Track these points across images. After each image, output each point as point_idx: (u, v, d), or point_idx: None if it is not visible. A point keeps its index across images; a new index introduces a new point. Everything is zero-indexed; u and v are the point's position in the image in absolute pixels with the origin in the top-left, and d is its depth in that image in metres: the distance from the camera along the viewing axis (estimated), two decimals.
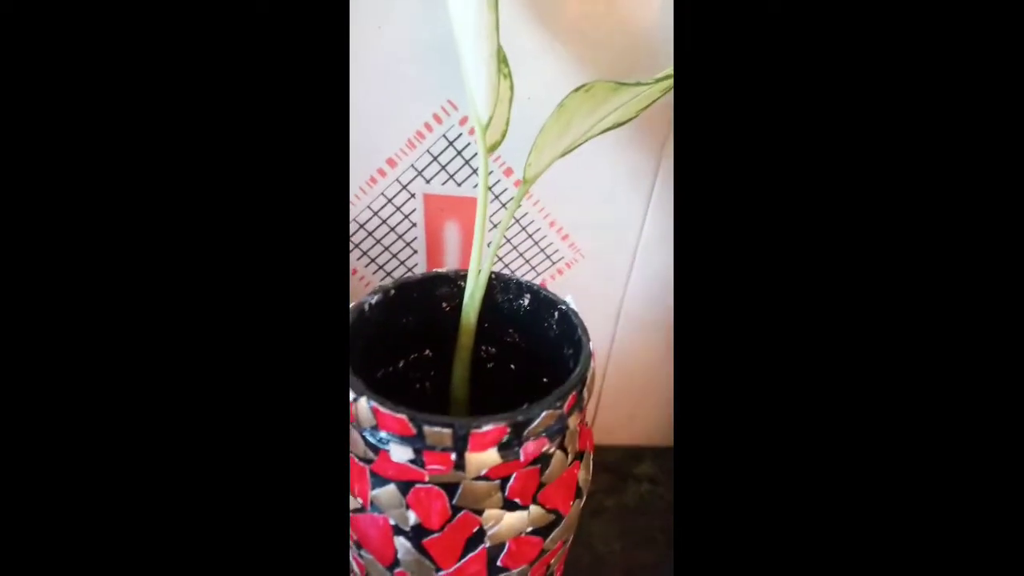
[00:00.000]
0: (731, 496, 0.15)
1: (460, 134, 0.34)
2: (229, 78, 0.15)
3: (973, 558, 0.14)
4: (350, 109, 0.33)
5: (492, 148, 0.26)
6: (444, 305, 0.28)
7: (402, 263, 0.39)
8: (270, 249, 0.15)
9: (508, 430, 0.19)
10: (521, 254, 0.39)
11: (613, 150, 0.35)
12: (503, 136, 0.26)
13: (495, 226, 0.38)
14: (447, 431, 0.18)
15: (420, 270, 0.40)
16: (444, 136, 0.34)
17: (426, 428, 0.18)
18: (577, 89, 0.23)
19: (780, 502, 0.15)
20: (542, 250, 0.39)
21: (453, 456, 0.19)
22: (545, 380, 0.29)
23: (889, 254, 0.15)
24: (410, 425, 0.18)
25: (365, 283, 0.40)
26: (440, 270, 0.28)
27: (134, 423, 0.14)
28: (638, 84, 0.22)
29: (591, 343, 0.23)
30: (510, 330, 0.29)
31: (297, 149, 0.15)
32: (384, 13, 0.30)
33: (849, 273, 0.15)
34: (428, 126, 0.33)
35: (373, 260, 0.39)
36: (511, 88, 0.27)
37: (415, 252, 0.39)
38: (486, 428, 0.18)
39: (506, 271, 0.39)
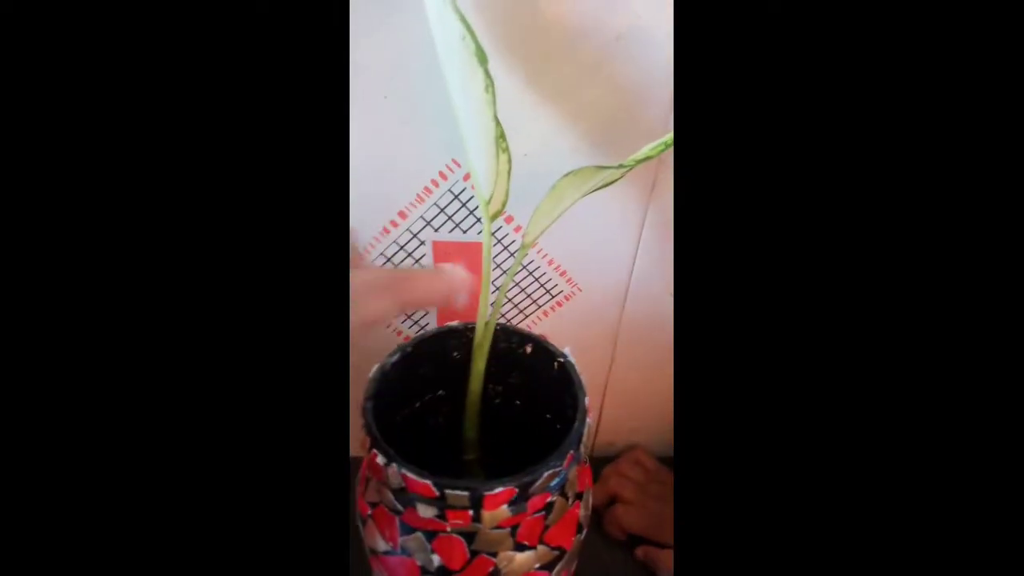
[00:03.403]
0: (733, 514, 0.15)
1: (464, 188, 0.37)
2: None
3: (972, 551, 0.14)
4: (365, 168, 0.36)
5: (494, 217, 0.29)
6: (455, 354, 0.32)
7: None
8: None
9: (516, 490, 0.22)
10: (523, 289, 0.42)
11: (604, 199, 0.38)
12: (503, 206, 0.29)
13: (503, 272, 0.41)
14: (465, 494, 0.22)
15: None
16: (450, 190, 0.37)
17: (448, 492, 0.22)
18: (566, 175, 0.26)
19: (782, 520, 0.15)
20: (542, 285, 0.42)
21: (471, 512, 0.22)
22: (548, 416, 0.33)
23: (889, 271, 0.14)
24: (433, 489, 0.22)
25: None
26: (451, 324, 0.31)
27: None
28: (620, 167, 0.25)
29: (586, 395, 0.26)
30: (514, 373, 0.32)
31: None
32: (388, 85, 0.33)
33: (847, 289, 0.15)
34: (434, 182, 0.37)
35: None
36: (509, 161, 0.29)
37: None
38: (498, 490, 0.22)
39: (509, 304, 0.42)
